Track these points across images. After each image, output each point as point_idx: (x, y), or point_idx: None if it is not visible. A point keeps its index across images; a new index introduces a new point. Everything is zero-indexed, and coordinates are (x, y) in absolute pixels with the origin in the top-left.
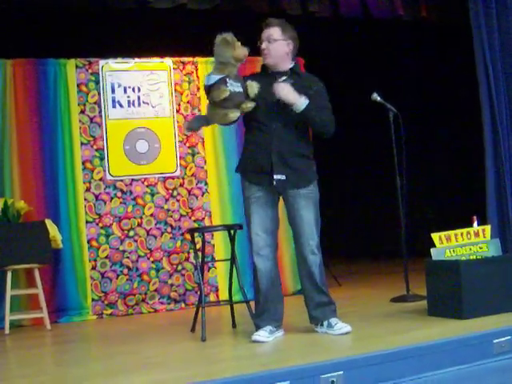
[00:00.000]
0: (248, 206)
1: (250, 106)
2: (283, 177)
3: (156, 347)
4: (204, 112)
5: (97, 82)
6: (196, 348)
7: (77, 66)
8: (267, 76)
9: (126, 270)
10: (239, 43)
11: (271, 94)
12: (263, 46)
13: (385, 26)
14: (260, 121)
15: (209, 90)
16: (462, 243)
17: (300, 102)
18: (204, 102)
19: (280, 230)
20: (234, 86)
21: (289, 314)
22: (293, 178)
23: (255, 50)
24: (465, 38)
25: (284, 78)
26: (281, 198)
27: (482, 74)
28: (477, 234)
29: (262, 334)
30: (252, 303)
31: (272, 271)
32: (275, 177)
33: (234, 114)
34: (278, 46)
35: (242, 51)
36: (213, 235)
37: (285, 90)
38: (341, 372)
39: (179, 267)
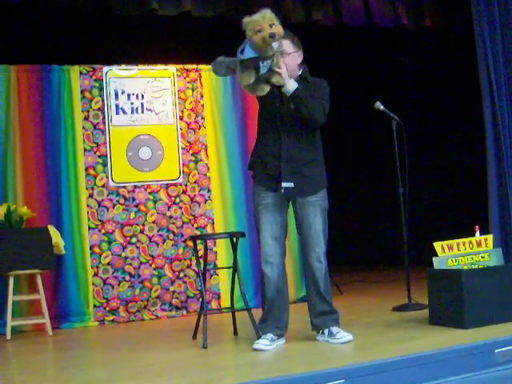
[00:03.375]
0: (257, 213)
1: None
2: (291, 184)
3: (157, 354)
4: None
5: (100, 89)
6: (197, 355)
7: (81, 73)
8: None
9: (127, 277)
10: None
11: (283, 101)
12: None
13: (388, 35)
14: (271, 126)
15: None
16: (464, 252)
17: (290, 84)
18: (207, 110)
19: None
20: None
21: (290, 322)
22: (301, 186)
23: None
24: (469, 48)
25: None
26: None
27: (484, 82)
28: (479, 244)
29: (263, 343)
30: (254, 311)
31: (279, 278)
32: (283, 184)
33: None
34: (291, 59)
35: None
36: (215, 242)
37: (282, 69)
38: (342, 380)
39: (181, 274)
